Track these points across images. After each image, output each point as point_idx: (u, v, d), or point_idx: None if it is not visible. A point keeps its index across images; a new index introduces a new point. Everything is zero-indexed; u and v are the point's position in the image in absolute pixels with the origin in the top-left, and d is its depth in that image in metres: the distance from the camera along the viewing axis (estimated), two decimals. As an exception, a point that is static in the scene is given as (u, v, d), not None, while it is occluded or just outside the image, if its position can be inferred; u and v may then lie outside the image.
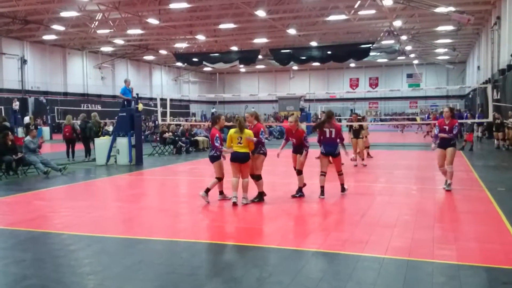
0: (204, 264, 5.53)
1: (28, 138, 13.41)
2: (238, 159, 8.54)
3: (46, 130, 30.11)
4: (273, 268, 5.30)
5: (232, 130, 8.67)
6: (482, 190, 9.96)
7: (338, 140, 9.49)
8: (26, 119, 29.20)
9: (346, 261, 5.51)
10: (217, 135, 8.71)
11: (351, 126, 15.37)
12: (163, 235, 6.75)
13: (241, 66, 45.57)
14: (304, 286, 4.73)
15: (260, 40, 36.48)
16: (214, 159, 8.84)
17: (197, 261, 5.59)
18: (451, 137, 9.83)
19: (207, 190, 8.79)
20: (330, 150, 9.44)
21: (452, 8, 23.08)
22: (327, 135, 9.47)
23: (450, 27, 30.98)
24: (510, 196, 9.62)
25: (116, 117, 18.27)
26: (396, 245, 6.19)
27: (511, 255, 5.62)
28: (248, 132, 8.61)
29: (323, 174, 9.34)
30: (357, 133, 14.69)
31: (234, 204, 8.46)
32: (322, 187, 9.26)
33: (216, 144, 8.65)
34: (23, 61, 36.66)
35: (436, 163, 10.38)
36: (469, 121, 21.06)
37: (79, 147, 17.78)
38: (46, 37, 35.41)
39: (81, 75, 42.64)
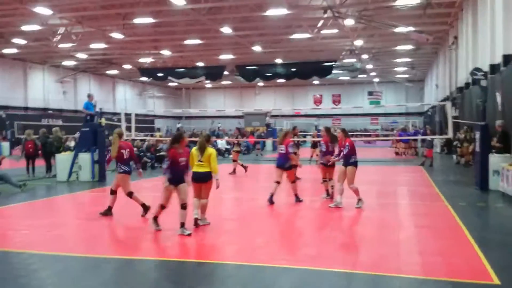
0: (172, 284, 5.43)
1: None
2: (199, 179, 8.04)
3: (5, 145, 29.07)
4: (243, 285, 5.26)
5: (193, 149, 8.22)
6: (444, 205, 10.22)
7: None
8: None
9: (313, 277, 5.52)
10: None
11: (317, 142, 15.61)
12: (127, 254, 6.60)
13: (207, 81, 45.55)
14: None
15: (226, 56, 36.62)
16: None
17: (165, 281, 5.48)
18: (343, 157, 9.90)
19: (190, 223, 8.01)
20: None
21: (411, 28, 23.87)
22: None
23: (409, 46, 32.00)
24: (472, 211, 9.92)
25: (78, 132, 17.86)
26: (363, 260, 6.26)
27: (476, 269, 5.76)
28: (211, 150, 8.09)
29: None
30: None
31: (196, 220, 8.11)
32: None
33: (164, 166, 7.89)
34: (-19, 75, 35.48)
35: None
36: (428, 137, 21.67)
37: (40, 163, 17.24)
38: (6, 51, 34.41)
39: (41, 90, 41.56)
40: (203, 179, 8.05)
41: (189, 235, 7.48)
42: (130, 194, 9.31)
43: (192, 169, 8.07)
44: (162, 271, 5.86)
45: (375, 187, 13.81)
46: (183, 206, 7.66)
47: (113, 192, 9.37)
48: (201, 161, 8.00)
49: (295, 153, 11.18)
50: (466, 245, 6.84)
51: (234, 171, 17.62)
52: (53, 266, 6.06)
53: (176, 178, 7.66)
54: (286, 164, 10.56)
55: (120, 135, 9.43)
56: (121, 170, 9.25)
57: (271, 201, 10.36)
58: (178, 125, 51.84)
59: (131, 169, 9.46)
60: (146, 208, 9.24)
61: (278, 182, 10.49)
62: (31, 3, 21.42)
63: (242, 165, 17.93)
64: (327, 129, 11.38)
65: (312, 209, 10.36)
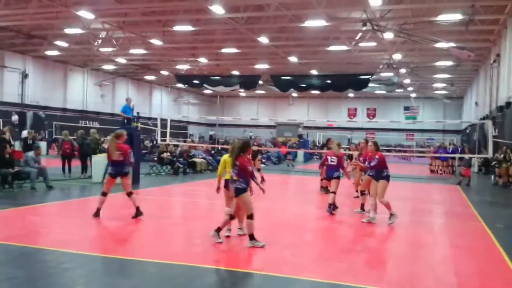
0: (200, 289, 5.41)
1: (31, 154, 13.55)
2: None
3: (43, 145, 29.93)
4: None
5: (225, 155, 8.08)
6: (481, 226, 9.89)
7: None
8: (24, 133, 29.06)
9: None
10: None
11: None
12: (159, 258, 6.61)
13: (242, 90, 45.81)
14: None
15: (261, 66, 36.75)
16: (239, 191, 7.39)
17: (193, 286, 5.46)
18: (369, 168, 9.91)
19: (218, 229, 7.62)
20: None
21: (452, 44, 23.39)
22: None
23: (449, 62, 31.34)
24: (510, 233, 9.56)
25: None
26: (394, 277, 6.09)
27: (514, 293, 5.53)
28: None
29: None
30: None
31: (227, 237, 7.87)
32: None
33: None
34: (24, 75, 36.70)
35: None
36: (466, 156, 21.09)
37: (76, 163, 17.65)
38: (48, 53, 35.56)
39: (81, 92, 42.69)
40: None
41: (263, 246, 7.24)
42: (129, 194, 9.42)
43: (226, 177, 7.86)
44: (195, 277, 5.85)
45: (410, 204, 13.50)
46: (251, 216, 7.33)
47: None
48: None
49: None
50: (505, 268, 6.58)
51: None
52: (86, 266, 6.13)
53: (247, 186, 7.48)
54: (334, 174, 10.92)
55: (117, 137, 9.45)
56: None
57: (330, 211, 10.65)
58: (211, 133, 52.30)
59: (123, 170, 9.40)
60: (139, 212, 9.28)
61: (334, 192, 10.82)
62: (75, 6, 22.07)
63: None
64: (374, 143, 10.71)
65: (344, 223, 10.19)
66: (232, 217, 7.52)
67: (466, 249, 7.91)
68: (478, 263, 6.94)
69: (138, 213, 9.32)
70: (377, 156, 9.73)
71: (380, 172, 9.71)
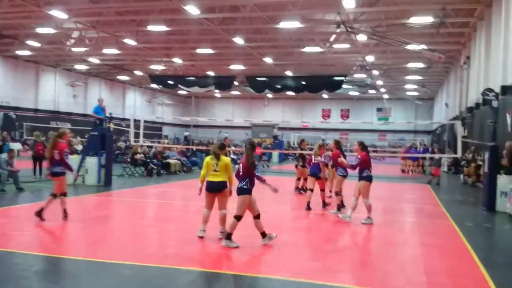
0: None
1: (4, 157, 13.33)
2: (213, 188, 7.77)
3: (16, 146, 29.22)
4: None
5: (208, 157, 8.01)
6: (450, 225, 10.12)
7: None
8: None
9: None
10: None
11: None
12: (132, 260, 6.55)
13: (217, 91, 45.72)
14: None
15: (237, 67, 36.77)
16: (243, 191, 7.45)
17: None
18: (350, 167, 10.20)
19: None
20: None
21: (424, 46, 23.87)
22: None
23: (420, 64, 31.96)
24: (478, 232, 9.82)
25: (86, 136, 17.94)
26: (366, 276, 6.20)
27: (481, 290, 5.69)
28: (227, 159, 7.90)
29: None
30: None
31: (200, 237, 7.82)
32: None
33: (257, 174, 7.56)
34: (-6, 75, 35.85)
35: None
36: (436, 156, 21.55)
37: (46, 165, 17.30)
38: (20, 52, 34.80)
39: (52, 92, 41.89)
40: (219, 189, 7.77)
41: (237, 247, 7.31)
42: (57, 196, 9.16)
43: (208, 179, 7.82)
44: (170, 279, 5.82)
45: (381, 203, 13.70)
46: (238, 218, 7.41)
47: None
48: (216, 171, 7.76)
49: (326, 165, 12.19)
50: (472, 266, 6.76)
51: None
52: (57, 268, 6.04)
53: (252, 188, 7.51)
54: (320, 173, 11.49)
55: (60, 136, 9.29)
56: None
57: (308, 208, 11.30)
58: (186, 134, 51.97)
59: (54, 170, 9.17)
60: (66, 214, 9.14)
61: (311, 190, 11.44)
62: (47, 6, 21.68)
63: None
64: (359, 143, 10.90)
65: (319, 223, 10.30)
66: (239, 218, 7.43)
67: (436, 248, 8.09)
68: (448, 261, 7.11)
69: (65, 215, 9.13)
70: (359, 156, 9.85)
71: (360, 172, 9.84)
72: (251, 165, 7.45)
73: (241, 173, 7.45)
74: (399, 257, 7.35)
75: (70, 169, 9.40)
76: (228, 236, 7.36)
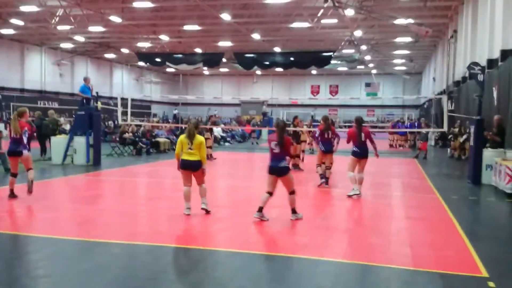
0: (164, 268, 5.46)
1: None
2: (189, 166, 7.93)
3: (1, 126, 28.95)
4: (234, 272, 5.30)
5: (182, 136, 8.16)
6: (436, 198, 10.30)
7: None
8: None
9: (305, 265, 5.57)
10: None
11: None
12: (122, 238, 6.60)
13: (205, 68, 45.36)
14: (265, 291, 4.76)
15: (225, 43, 36.43)
16: (286, 171, 7.69)
17: (158, 265, 5.51)
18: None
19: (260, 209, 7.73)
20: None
21: (411, 20, 23.80)
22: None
23: (408, 39, 31.91)
24: (463, 204, 10.01)
25: (73, 115, 17.81)
26: (353, 249, 6.33)
27: (465, 262, 5.83)
28: (201, 138, 8.00)
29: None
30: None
31: (187, 215, 7.93)
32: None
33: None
34: (-22, 55, 35.18)
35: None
36: (423, 130, 21.74)
37: (34, 145, 17.18)
38: (3, 31, 34.09)
39: (38, 72, 41.28)
40: (195, 168, 7.95)
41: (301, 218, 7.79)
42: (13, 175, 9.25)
43: (182, 157, 7.96)
44: (158, 257, 5.90)
45: (368, 177, 13.82)
46: (293, 192, 7.75)
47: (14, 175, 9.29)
48: (191, 149, 7.88)
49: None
50: (457, 238, 6.91)
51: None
52: (46, 249, 6.08)
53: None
54: (332, 148, 11.59)
55: (20, 114, 9.27)
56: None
57: (326, 182, 11.46)
58: (175, 112, 51.72)
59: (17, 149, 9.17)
60: (13, 195, 9.18)
61: (324, 164, 11.63)
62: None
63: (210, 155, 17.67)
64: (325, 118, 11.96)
65: (306, 198, 10.41)
66: (271, 193, 7.68)
67: (421, 221, 8.25)
68: (432, 234, 7.25)
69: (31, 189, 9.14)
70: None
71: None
72: (289, 144, 7.84)
73: (278, 152, 7.60)
74: (385, 230, 7.49)
75: (27, 148, 9.31)
76: (294, 211, 7.77)
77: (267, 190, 7.67)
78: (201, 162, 7.94)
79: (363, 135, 10.08)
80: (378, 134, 37.97)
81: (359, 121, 10.29)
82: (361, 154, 10.09)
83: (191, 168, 7.95)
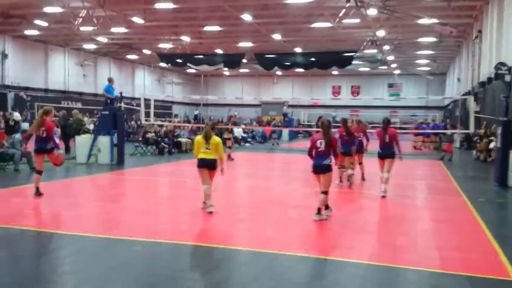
0: (187, 267, 5.47)
1: (18, 137, 13.47)
2: (206, 165, 8.10)
3: (26, 126, 29.54)
4: (257, 272, 5.26)
5: (198, 136, 8.41)
6: (462, 200, 10.09)
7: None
8: (17, 115, 28.63)
9: (331, 266, 5.50)
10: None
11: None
12: (144, 236, 6.62)
13: (225, 69, 45.47)
14: (289, 291, 4.71)
15: (245, 44, 36.45)
16: (329, 169, 7.83)
17: (180, 264, 5.52)
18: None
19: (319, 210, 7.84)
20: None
21: (435, 20, 23.42)
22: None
23: (432, 39, 31.43)
24: (490, 207, 9.79)
25: (97, 115, 18.02)
26: (380, 252, 6.22)
27: (493, 265, 5.68)
28: (218, 139, 8.20)
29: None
30: None
31: (210, 213, 8.04)
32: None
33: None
34: (4, 56, 35.90)
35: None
36: (448, 132, 21.38)
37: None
38: (28, 32, 34.75)
39: (62, 72, 41.97)
40: (212, 166, 8.11)
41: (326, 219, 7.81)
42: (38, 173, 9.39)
43: (199, 156, 8.13)
44: (181, 255, 5.90)
45: (393, 179, 13.64)
46: (326, 192, 7.79)
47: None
48: (208, 149, 8.07)
49: None
50: (484, 241, 6.75)
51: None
52: (71, 246, 6.14)
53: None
54: (352, 150, 11.26)
55: (45, 113, 9.41)
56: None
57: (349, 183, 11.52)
58: (196, 112, 52.01)
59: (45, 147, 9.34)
60: (38, 192, 9.26)
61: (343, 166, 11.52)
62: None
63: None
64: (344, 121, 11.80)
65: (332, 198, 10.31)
66: (327, 192, 7.80)
67: (447, 223, 8.09)
68: (459, 236, 7.11)
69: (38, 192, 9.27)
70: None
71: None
72: (335, 143, 7.92)
73: (323, 150, 7.72)
74: (410, 232, 7.35)
75: (58, 146, 9.62)
76: (320, 211, 7.79)
77: (322, 190, 7.77)
78: (217, 161, 8.12)
79: (387, 136, 10.07)
80: (401, 135, 37.60)
81: (385, 122, 10.33)
82: (382, 154, 10.15)
83: (208, 167, 8.10)
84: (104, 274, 5.07)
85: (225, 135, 18.22)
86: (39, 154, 9.38)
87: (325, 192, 7.74)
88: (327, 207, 7.97)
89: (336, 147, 7.96)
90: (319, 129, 13.85)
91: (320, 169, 7.73)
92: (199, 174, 8.21)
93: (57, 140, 9.42)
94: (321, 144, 7.73)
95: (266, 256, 5.83)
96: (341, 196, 10.60)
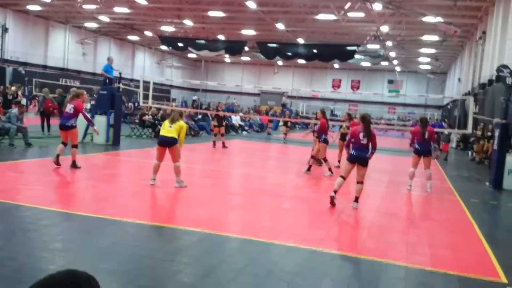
0: (179, 251, 5.45)
1: (15, 111, 13.40)
2: (164, 142, 8.74)
3: (23, 101, 29.32)
4: (250, 259, 5.27)
5: (166, 120, 9.06)
6: (456, 200, 10.12)
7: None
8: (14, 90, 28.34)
9: (322, 258, 5.51)
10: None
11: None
12: (138, 218, 6.61)
13: (227, 56, 45.27)
14: (280, 280, 4.71)
15: (248, 32, 36.27)
16: (367, 161, 8.49)
17: (172, 247, 5.51)
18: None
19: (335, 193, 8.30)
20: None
21: (440, 19, 23.34)
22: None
23: (435, 37, 31.37)
24: (483, 208, 9.82)
25: (95, 95, 17.92)
26: (370, 246, 6.24)
27: (484, 266, 5.71)
28: (183, 123, 8.88)
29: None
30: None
31: (152, 185, 8.75)
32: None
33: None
34: (4, 29, 35.59)
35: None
36: (445, 131, 21.40)
37: (54, 121, 17.38)
38: (30, 7, 34.47)
39: (62, 49, 41.70)
40: (170, 143, 8.70)
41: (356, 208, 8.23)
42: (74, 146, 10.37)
43: (160, 133, 8.89)
44: (174, 239, 5.90)
45: (387, 176, 13.71)
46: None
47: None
48: (170, 127, 8.70)
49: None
50: (476, 241, 6.78)
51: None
52: (64, 223, 6.13)
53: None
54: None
55: (77, 95, 10.60)
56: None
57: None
58: (194, 98, 51.83)
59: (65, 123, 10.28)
60: (57, 159, 10.08)
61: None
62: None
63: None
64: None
65: (323, 192, 10.32)
66: (344, 178, 8.31)
67: (440, 222, 8.12)
68: (451, 236, 7.13)
69: (74, 165, 10.11)
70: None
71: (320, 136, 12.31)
72: (375, 138, 8.33)
73: (365, 143, 8.24)
74: (403, 229, 7.38)
75: (92, 123, 11.30)
76: (356, 199, 8.32)
77: (342, 175, 8.33)
78: (176, 139, 8.73)
79: (427, 133, 10.60)
80: (395, 132, 37.62)
81: (424, 121, 10.95)
82: (422, 151, 10.69)
83: (166, 144, 8.73)
84: (96, 253, 5.06)
85: (213, 122, 18.88)
86: (61, 130, 10.31)
87: (361, 182, 8.26)
88: (357, 200, 8.35)
89: (375, 140, 8.37)
90: (316, 121, 13.95)
91: (361, 160, 8.21)
92: (156, 151, 8.90)
93: (89, 116, 10.66)
94: (363, 137, 8.18)
95: (257, 244, 5.83)
96: (341, 190, 10.59)
